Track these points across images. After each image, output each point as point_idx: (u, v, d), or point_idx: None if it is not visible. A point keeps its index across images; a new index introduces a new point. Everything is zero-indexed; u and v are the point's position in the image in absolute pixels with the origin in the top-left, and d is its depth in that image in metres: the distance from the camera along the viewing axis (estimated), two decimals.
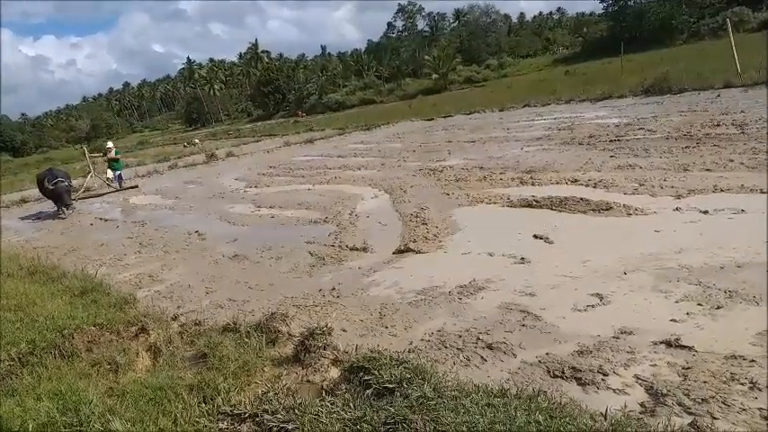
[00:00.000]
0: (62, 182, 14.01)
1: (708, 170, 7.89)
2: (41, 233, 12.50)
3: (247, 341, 4.37)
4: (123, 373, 4.24)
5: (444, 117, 25.45)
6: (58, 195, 13.92)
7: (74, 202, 14.78)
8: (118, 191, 17.44)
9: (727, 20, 22.76)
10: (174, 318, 5.49)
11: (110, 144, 19.11)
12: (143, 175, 21.28)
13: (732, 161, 8.09)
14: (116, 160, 18.35)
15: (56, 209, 14.42)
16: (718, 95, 15.80)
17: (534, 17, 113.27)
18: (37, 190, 15.92)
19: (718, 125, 11.11)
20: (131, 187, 17.80)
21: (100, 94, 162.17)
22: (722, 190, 6.87)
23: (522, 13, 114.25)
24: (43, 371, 4.38)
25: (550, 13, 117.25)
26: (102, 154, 19.15)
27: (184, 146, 38.85)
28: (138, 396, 3.75)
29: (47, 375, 4.29)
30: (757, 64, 17.85)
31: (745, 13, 47.69)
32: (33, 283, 7.09)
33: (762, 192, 6.52)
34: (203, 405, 3.57)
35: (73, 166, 25.31)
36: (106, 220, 12.78)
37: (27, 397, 3.95)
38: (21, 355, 4.61)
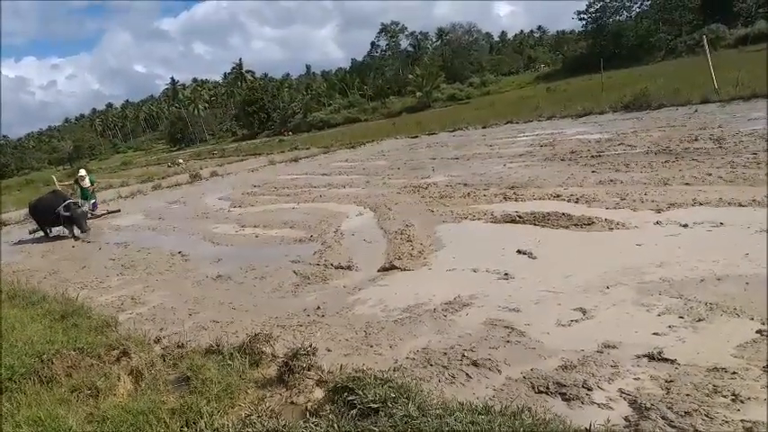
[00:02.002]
0: (75, 203, 13.48)
1: (687, 184, 8.00)
2: (21, 256, 12.32)
3: (231, 363, 4.33)
4: (104, 398, 4.16)
5: (428, 134, 25.59)
6: (76, 221, 13.19)
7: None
8: (98, 217, 16.39)
9: (704, 37, 23.30)
10: (157, 340, 5.44)
11: (82, 172, 17.69)
12: (126, 196, 21.11)
13: (710, 175, 8.22)
14: (90, 189, 17.00)
15: (48, 233, 14.03)
16: (696, 111, 16.07)
17: (515, 35, 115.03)
18: (14, 212, 15.34)
19: (696, 140, 11.29)
20: (114, 211, 17.14)
21: (82, 115, 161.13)
22: (701, 203, 6.97)
23: (503, 32, 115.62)
24: (22, 397, 4.30)
25: (531, 31, 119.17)
26: (73, 181, 17.39)
27: (168, 166, 38.65)
28: (119, 421, 3.69)
29: (26, 402, 4.22)
30: (733, 79, 18.23)
31: (721, 29, 48.79)
32: (12, 308, 6.98)
33: (740, 205, 6.63)
34: (186, 429, 3.52)
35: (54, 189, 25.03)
36: (88, 242, 12.64)
37: (5, 424, 3.88)
38: None
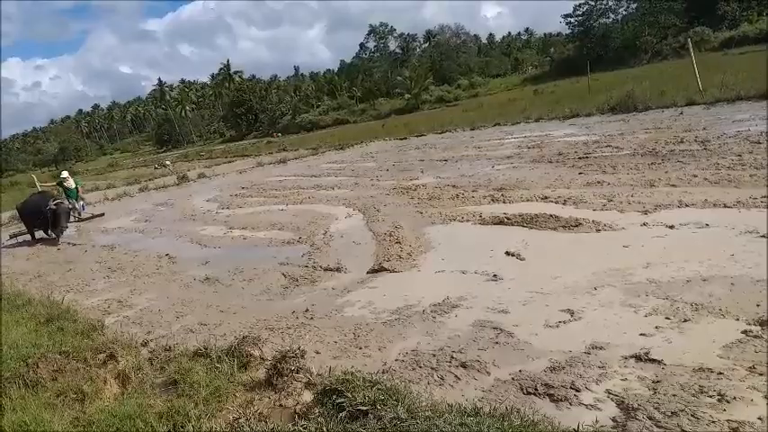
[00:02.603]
0: (62, 202, 13.07)
1: (673, 186, 8.08)
2: (6, 259, 12.16)
3: (219, 366, 4.31)
4: (90, 402, 4.12)
5: (417, 136, 25.64)
6: (58, 216, 12.69)
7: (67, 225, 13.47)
8: (80, 221, 15.95)
9: (689, 40, 23.51)
10: (144, 344, 5.40)
11: (64, 174, 17.09)
12: (113, 198, 20.93)
13: (696, 176, 8.30)
14: (72, 189, 16.53)
15: (41, 235, 13.69)
16: (681, 113, 16.23)
17: (503, 38, 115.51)
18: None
19: (681, 142, 11.40)
20: (98, 215, 16.57)
21: (68, 117, 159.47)
22: (687, 205, 7.04)
23: (491, 34, 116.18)
24: (7, 402, 4.24)
25: (519, 33, 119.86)
26: (56, 184, 16.86)
27: (155, 168, 38.42)
28: (106, 426, 3.65)
29: (10, 406, 4.16)
30: (718, 81, 18.43)
31: (705, 32, 49.29)
32: None
33: (725, 206, 6.70)
34: None
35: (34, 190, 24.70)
36: (74, 245, 12.50)
37: None
38: None
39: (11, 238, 14.64)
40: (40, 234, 13.83)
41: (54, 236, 13.22)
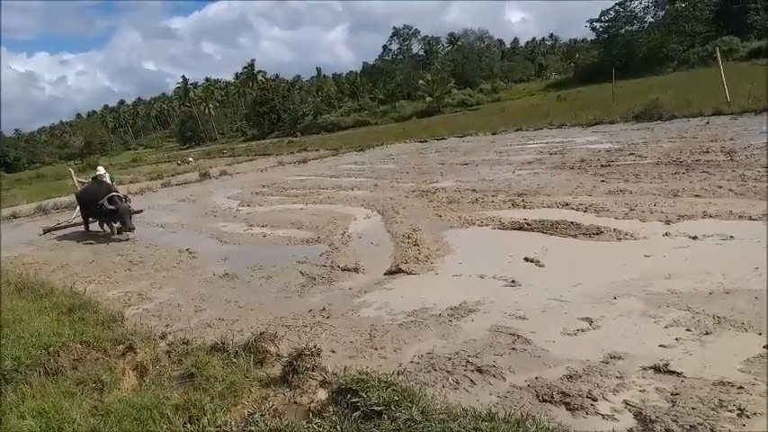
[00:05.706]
0: (123, 201, 12.27)
1: (697, 196, 7.96)
2: (31, 249, 12.39)
3: (235, 361, 4.34)
4: (109, 391, 4.17)
5: (438, 139, 25.60)
6: (121, 216, 11.93)
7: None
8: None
9: (717, 48, 23.17)
10: (162, 336, 5.45)
11: (100, 170, 14.64)
12: (135, 193, 21.18)
13: (721, 187, 8.18)
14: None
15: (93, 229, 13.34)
16: (708, 122, 16.00)
17: (527, 43, 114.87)
18: (25, 206, 14.72)
19: (707, 152, 11.24)
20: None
21: (94, 111, 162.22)
22: (711, 216, 6.93)
23: (515, 39, 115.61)
24: (27, 388, 4.32)
25: (543, 39, 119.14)
26: (92, 179, 14.64)
27: (178, 164, 38.89)
28: (123, 416, 3.69)
29: (31, 393, 4.23)
30: (746, 92, 18.13)
31: (734, 42, 48.68)
32: (21, 300, 7.02)
33: (750, 218, 6.58)
34: (189, 425, 3.52)
35: (66, 182, 25.03)
36: (96, 237, 12.69)
37: (10, 415, 3.89)
38: (5, 372, 4.54)
39: (45, 232, 14.18)
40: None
41: (111, 231, 12.68)
